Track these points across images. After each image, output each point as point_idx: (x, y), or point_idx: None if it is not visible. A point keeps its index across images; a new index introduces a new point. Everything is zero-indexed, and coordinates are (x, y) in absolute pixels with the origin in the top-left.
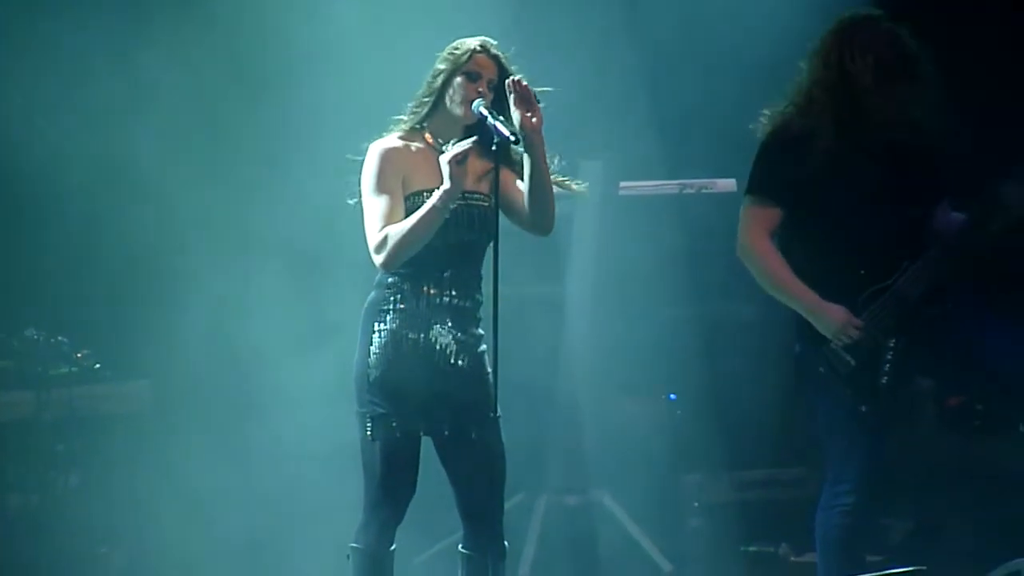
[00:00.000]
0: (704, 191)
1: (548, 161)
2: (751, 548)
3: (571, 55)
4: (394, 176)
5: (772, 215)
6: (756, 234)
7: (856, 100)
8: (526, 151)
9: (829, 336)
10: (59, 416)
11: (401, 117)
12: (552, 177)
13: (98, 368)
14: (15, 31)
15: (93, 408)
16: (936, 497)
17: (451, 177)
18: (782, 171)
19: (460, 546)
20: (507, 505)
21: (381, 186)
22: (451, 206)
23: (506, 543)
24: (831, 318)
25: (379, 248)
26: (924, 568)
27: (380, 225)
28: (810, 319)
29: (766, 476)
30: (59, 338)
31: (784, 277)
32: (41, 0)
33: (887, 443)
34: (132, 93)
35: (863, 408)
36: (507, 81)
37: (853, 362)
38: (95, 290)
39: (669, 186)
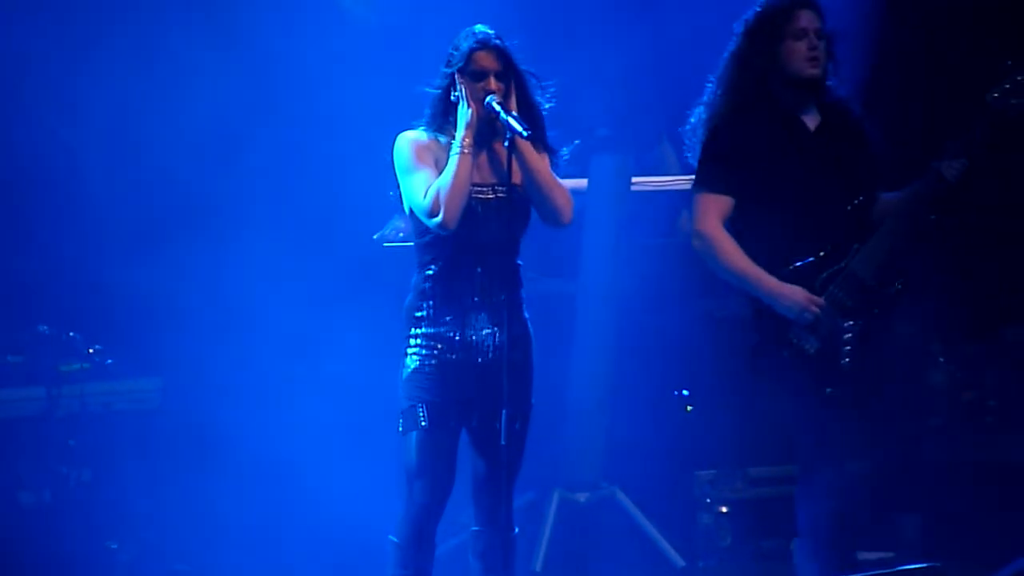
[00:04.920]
0: None
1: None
2: (764, 544)
3: (588, 53)
4: (429, 156)
5: (724, 204)
6: (710, 223)
7: (754, 69)
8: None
9: (791, 316)
10: (71, 412)
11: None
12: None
13: (110, 364)
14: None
15: (105, 404)
16: (949, 492)
17: (472, 102)
18: (731, 160)
19: (472, 526)
20: (520, 502)
21: (420, 163)
22: (468, 145)
23: (516, 528)
24: (792, 298)
25: (433, 210)
26: (939, 565)
27: (425, 192)
28: (770, 302)
29: (779, 473)
30: (71, 334)
31: (742, 263)
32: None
33: (859, 428)
34: (147, 95)
35: (828, 390)
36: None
37: (816, 345)
38: (107, 286)
39: (681, 181)
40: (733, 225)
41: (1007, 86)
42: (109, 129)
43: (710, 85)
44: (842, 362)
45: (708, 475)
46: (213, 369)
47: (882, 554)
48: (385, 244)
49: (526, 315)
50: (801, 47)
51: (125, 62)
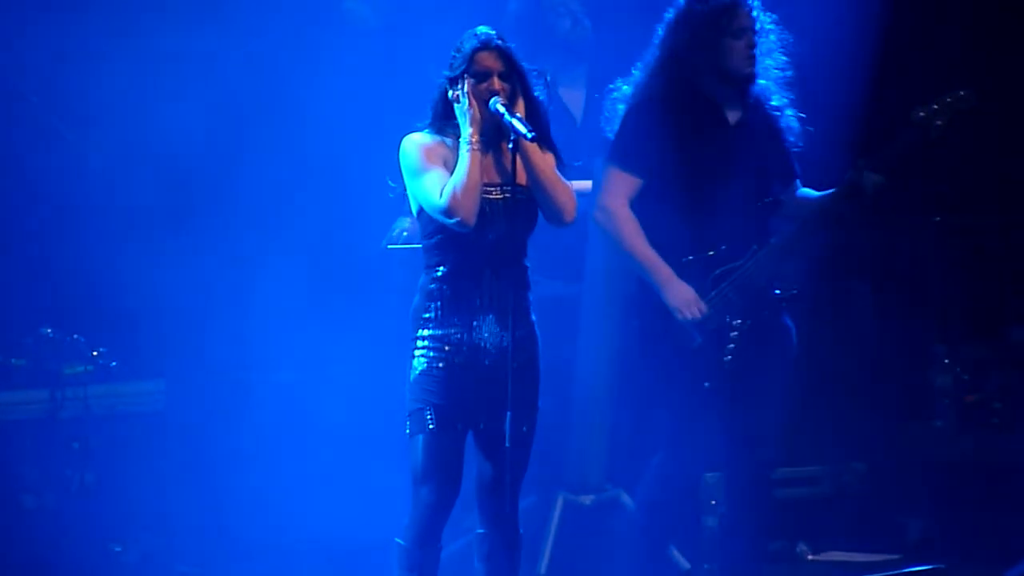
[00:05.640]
0: None
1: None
2: (770, 546)
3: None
4: (437, 157)
5: (633, 183)
6: (617, 200)
7: (688, 61)
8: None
9: (672, 309)
10: (75, 414)
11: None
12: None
13: (113, 366)
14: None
15: (109, 406)
16: (954, 494)
17: (473, 100)
18: (647, 142)
19: (477, 528)
20: (524, 504)
21: (429, 164)
22: (476, 142)
23: (521, 530)
24: (679, 294)
25: (452, 208)
26: (942, 566)
27: (440, 191)
28: (659, 291)
29: (783, 474)
30: (75, 336)
31: (639, 247)
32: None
33: (739, 425)
34: (152, 97)
35: (706, 384)
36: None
37: (698, 340)
38: (110, 289)
39: None
40: (639, 205)
41: (934, 107)
42: (114, 132)
43: (638, 70)
44: (724, 359)
45: (713, 477)
46: (217, 371)
47: (887, 556)
48: (390, 246)
49: (533, 318)
50: (740, 45)
51: (130, 63)
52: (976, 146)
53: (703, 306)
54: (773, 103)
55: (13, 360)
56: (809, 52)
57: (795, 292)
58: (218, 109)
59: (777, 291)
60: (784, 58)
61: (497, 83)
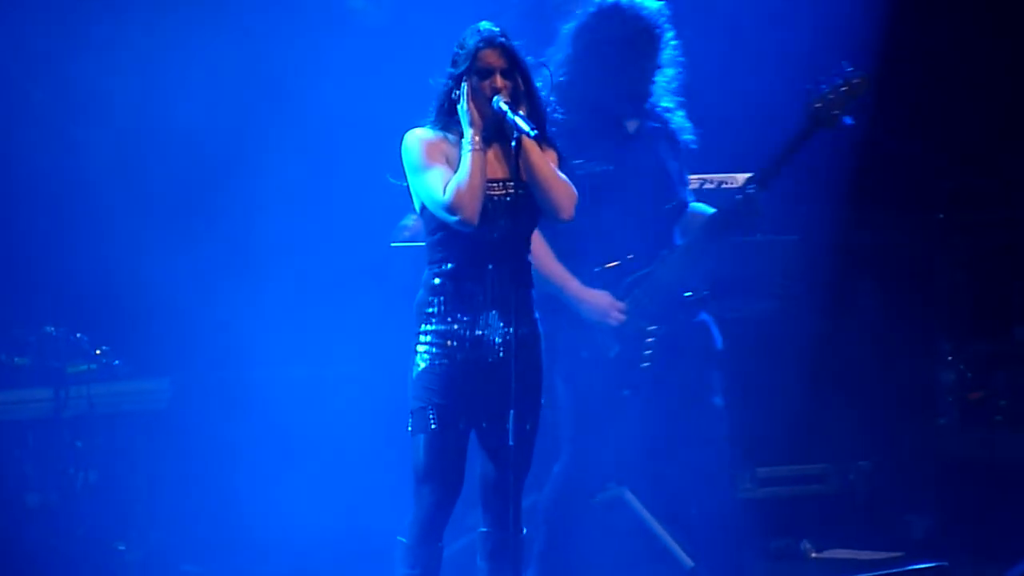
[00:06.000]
0: (723, 186)
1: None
2: (773, 543)
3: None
4: (439, 154)
5: None
6: None
7: (594, 77)
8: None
9: (592, 321)
10: (78, 413)
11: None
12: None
13: (117, 365)
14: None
15: (112, 405)
16: (958, 491)
17: (471, 100)
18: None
19: (480, 527)
20: (526, 503)
21: (432, 161)
22: (478, 142)
23: (524, 529)
24: (594, 304)
25: (455, 206)
26: (946, 564)
27: (444, 188)
28: (573, 306)
29: (788, 472)
30: (78, 335)
31: (548, 263)
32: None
33: (658, 431)
34: (156, 94)
35: (626, 392)
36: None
37: (616, 349)
38: (114, 287)
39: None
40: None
41: (830, 96)
42: (117, 130)
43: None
44: (642, 365)
45: None
46: (220, 370)
47: (891, 553)
48: (393, 244)
49: (536, 315)
50: (647, 68)
51: (133, 59)
52: (980, 143)
53: (622, 305)
54: (664, 105)
55: (16, 359)
56: (808, 51)
57: (706, 294)
58: (222, 106)
59: (688, 293)
60: (674, 71)
61: (500, 80)
